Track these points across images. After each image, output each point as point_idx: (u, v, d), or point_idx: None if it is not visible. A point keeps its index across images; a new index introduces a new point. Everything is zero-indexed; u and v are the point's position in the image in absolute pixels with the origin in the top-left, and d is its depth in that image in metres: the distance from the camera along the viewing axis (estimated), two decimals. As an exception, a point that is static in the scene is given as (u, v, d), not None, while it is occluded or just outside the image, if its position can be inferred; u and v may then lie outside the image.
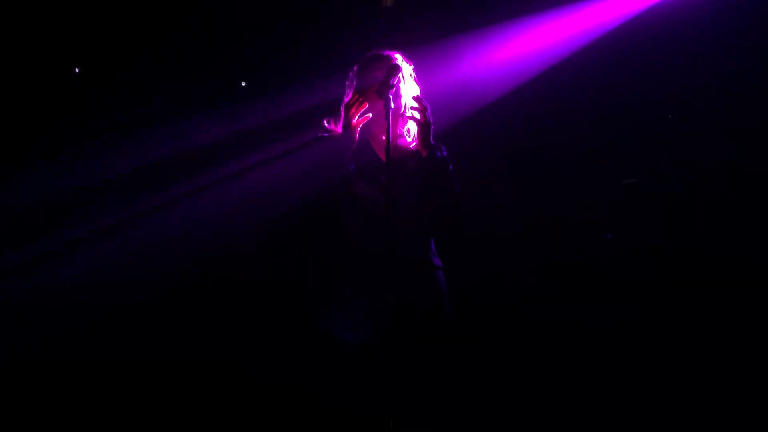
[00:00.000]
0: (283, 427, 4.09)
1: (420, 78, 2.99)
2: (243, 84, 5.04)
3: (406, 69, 2.92)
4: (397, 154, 2.83)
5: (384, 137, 2.65)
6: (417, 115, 2.81)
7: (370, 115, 2.83)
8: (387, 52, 2.93)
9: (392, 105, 2.67)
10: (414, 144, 2.90)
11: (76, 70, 4.75)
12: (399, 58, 2.92)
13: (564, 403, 4.09)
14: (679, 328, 4.37)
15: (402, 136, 2.93)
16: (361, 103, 2.81)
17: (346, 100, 2.86)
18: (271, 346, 4.39)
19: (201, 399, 4.26)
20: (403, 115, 2.88)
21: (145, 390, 4.28)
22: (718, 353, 4.16)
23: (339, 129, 2.85)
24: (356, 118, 2.81)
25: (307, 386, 4.02)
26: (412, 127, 2.90)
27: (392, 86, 2.69)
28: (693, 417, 3.89)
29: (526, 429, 3.99)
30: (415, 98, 2.82)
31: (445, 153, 2.86)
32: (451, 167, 2.84)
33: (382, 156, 2.86)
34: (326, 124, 2.93)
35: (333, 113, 2.92)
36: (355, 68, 2.96)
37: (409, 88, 2.89)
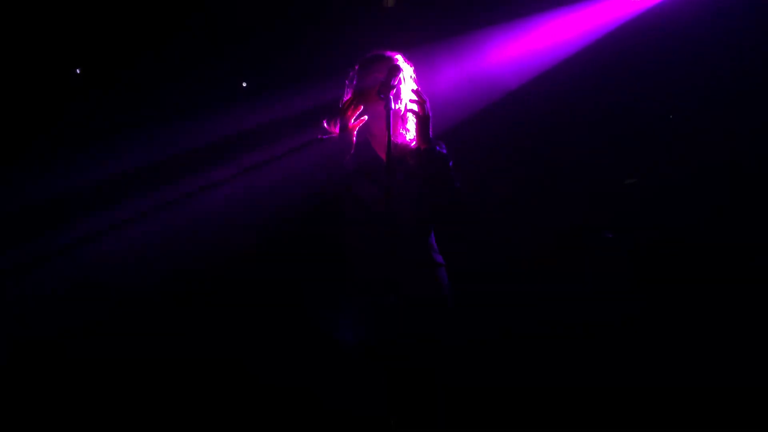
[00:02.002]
0: (283, 427, 4.09)
1: (420, 78, 2.97)
2: (244, 84, 5.04)
3: (407, 70, 2.90)
4: (397, 153, 2.83)
5: (384, 137, 2.64)
6: (416, 108, 2.78)
7: (366, 117, 2.82)
8: (388, 53, 2.91)
9: (393, 106, 2.65)
10: (414, 142, 2.90)
11: (77, 71, 4.75)
12: (400, 59, 2.90)
13: (564, 403, 4.09)
14: (679, 328, 4.37)
15: (402, 135, 2.91)
16: (356, 105, 2.79)
17: (344, 100, 2.85)
18: (271, 346, 4.39)
19: (201, 399, 4.26)
20: (403, 116, 2.88)
21: (145, 390, 4.28)
22: (718, 353, 4.17)
23: (338, 130, 2.84)
24: (353, 120, 2.79)
25: (307, 386, 4.03)
26: (411, 123, 2.88)
27: (393, 87, 2.68)
28: (693, 417, 3.89)
29: (526, 429, 3.99)
30: (414, 91, 2.78)
31: (444, 150, 2.85)
32: (451, 163, 2.83)
33: (383, 155, 2.86)
34: (326, 126, 2.92)
35: (333, 114, 2.91)
36: (356, 68, 2.94)
37: (409, 88, 2.87)
